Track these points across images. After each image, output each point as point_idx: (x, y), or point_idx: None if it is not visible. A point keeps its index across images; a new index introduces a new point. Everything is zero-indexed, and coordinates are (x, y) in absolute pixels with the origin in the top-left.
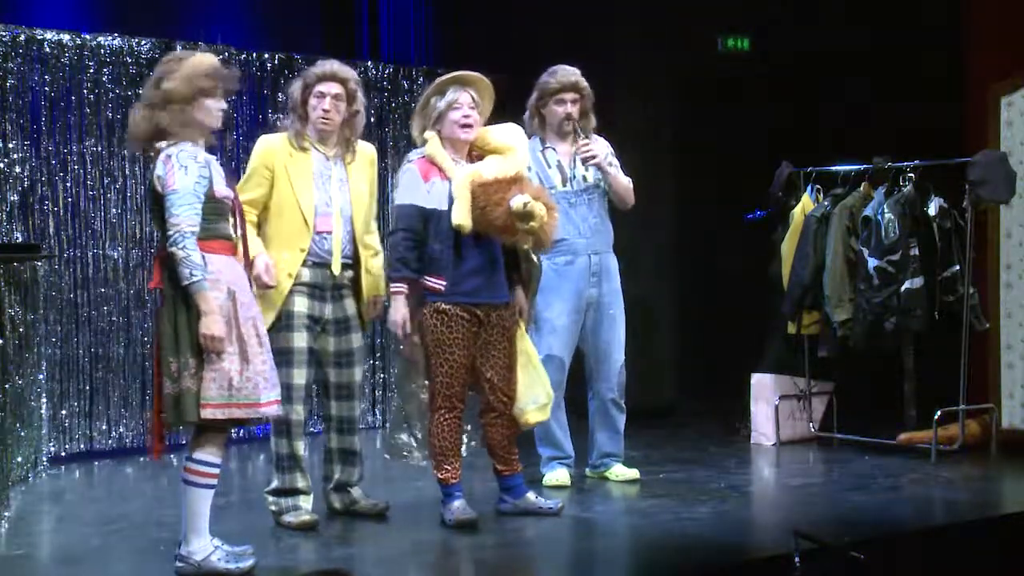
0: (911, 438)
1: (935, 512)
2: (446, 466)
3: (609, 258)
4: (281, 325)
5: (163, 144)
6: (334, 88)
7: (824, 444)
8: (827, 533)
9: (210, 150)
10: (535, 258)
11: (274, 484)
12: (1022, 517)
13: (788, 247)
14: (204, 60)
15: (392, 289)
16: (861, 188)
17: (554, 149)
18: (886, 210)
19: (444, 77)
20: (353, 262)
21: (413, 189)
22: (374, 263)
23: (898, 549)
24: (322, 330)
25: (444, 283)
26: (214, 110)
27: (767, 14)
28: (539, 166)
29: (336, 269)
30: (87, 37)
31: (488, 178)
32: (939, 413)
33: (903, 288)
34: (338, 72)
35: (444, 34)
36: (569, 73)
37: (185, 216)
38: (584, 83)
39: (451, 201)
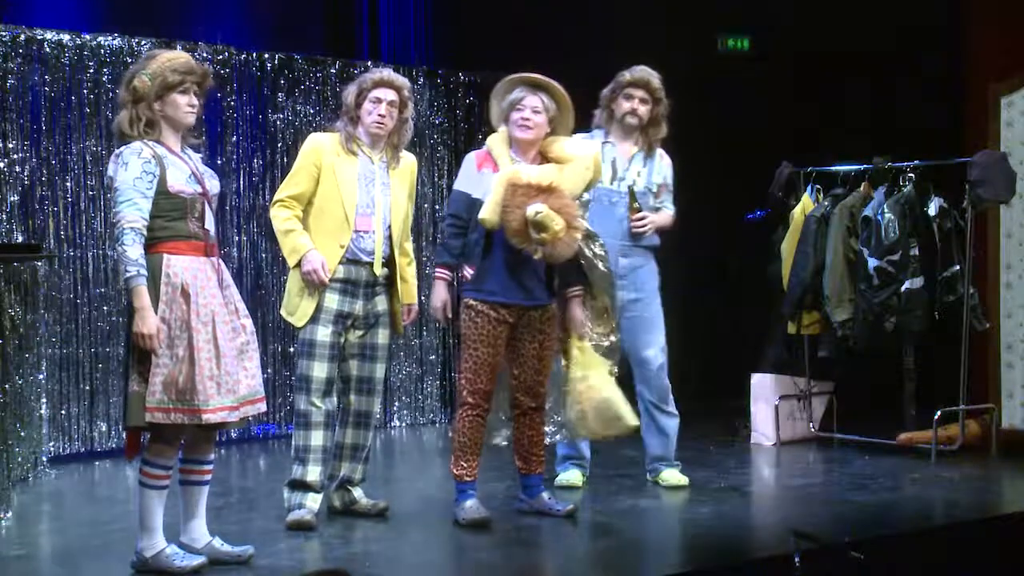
0: (911, 438)
1: (935, 512)
2: (463, 463)
3: (641, 262)
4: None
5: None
6: (389, 94)
7: (824, 444)
8: (827, 533)
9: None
10: (601, 266)
11: (289, 476)
12: (1022, 517)
13: (788, 247)
14: (172, 56)
15: (435, 275)
16: (861, 188)
17: (613, 145)
18: (886, 210)
19: (512, 76)
20: (389, 262)
21: (466, 177)
22: (409, 270)
23: (898, 549)
24: (351, 325)
25: (473, 272)
26: (183, 105)
27: (767, 14)
28: None
29: (377, 269)
30: (87, 37)
31: (522, 181)
32: (939, 413)
33: (903, 288)
34: (394, 80)
35: (444, 34)
36: (645, 72)
37: (125, 212)
38: (658, 86)
39: None
